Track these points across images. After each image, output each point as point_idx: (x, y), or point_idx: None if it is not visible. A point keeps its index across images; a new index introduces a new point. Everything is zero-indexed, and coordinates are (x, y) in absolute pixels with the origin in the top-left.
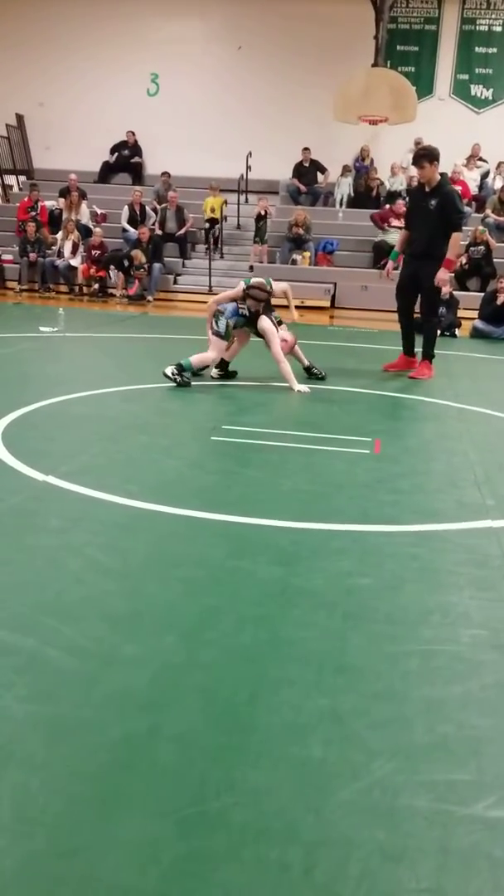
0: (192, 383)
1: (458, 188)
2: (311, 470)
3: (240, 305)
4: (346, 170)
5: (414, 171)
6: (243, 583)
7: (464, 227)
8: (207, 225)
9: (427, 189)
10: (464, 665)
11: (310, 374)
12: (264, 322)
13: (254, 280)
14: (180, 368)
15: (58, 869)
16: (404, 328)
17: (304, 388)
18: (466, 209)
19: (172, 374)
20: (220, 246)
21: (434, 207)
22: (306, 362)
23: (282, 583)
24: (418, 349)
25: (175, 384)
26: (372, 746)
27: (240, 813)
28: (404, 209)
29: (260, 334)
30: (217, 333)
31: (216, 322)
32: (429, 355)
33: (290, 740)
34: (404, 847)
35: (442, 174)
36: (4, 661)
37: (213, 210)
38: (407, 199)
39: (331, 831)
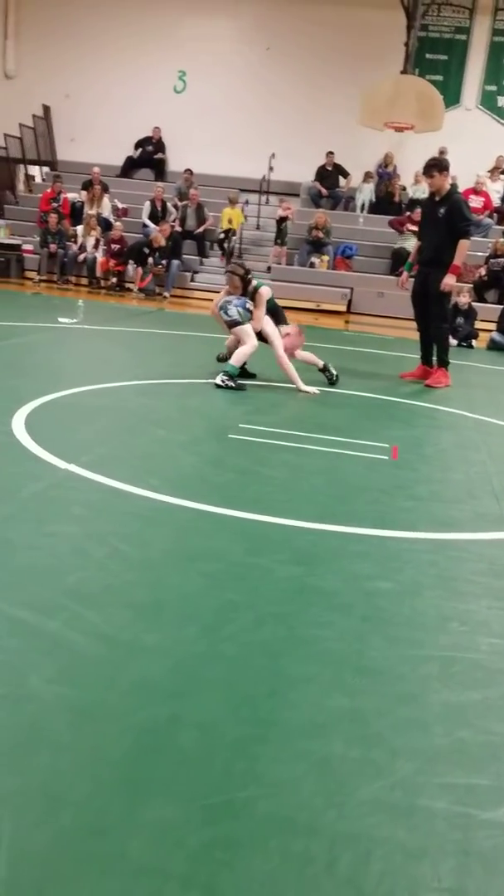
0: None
1: (482, 199)
2: (329, 473)
3: (246, 299)
4: (368, 176)
5: None
6: (262, 580)
7: (485, 239)
8: (222, 235)
9: (437, 198)
10: (483, 673)
11: (323, 373)
12: (267, 326)
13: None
14: (230, 376)
15: (86, 847)
16: (422, 337)
17: (312, 389)
18: (488, 220)
19: (224, 382)
20: (230, 257)
21: (443, 215)
22: (321, 364)
23: (300, 582)
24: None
25: (231, 389)
26: (392, 747)
27: (264, 804)
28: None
29: (264, 339)
30: (235, 322)
31: (226, 313)
32: (443, 362)
33: (311, 736)
34: (425, 847)
35: (452, 184)
36: (31, 643)
37: (230, 221)
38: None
39: (353, 827)
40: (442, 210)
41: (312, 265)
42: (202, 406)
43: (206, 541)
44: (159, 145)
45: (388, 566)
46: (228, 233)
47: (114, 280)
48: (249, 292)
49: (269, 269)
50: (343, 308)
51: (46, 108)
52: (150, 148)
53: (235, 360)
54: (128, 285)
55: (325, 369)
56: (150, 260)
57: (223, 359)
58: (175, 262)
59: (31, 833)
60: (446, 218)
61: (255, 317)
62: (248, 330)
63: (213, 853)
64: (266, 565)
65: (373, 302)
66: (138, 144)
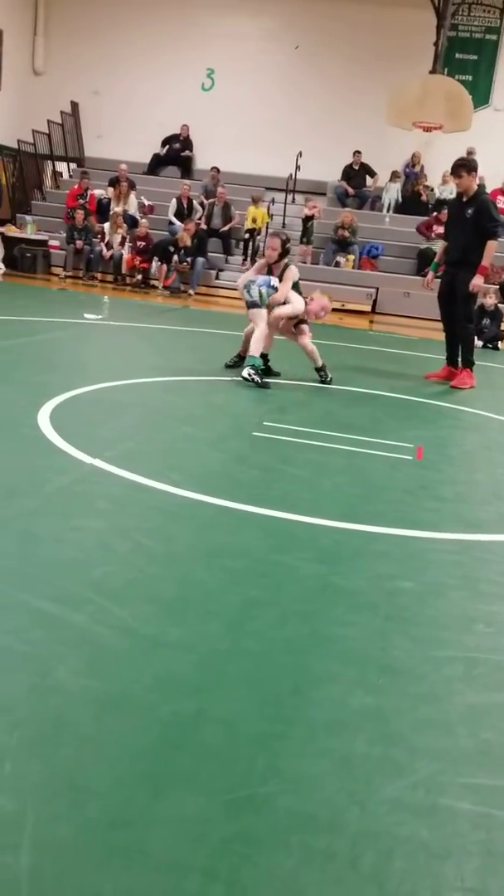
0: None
1: None
2: (353, 472)
3: (272, 277)
4: (395, 175)
5: None
6: (286, 577)
7: None
8: (247, 235)
9: (464, 199)
10: None
11: (318, 372)
12: (292, 295)
13: None
14: (255, 368)
15: (110, 839)
16: (448, 337)
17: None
18: None
19: (250, 375)
20: (255, 256)
21: (470, 216)
22: (319, 363)
23: (323, 580)
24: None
25: (255, 385)
26: (415, 746)
27: (286, 800)
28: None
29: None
30: (253, 304)
31: (248, 292)
32: (468, 362)
33: (333, 734)
34: (448, 846)
35: (480, 185)
36: (57, 635)
37: (254, 220)
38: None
39: (375, 825)
40: (469, 210)
41: (338, 264)
42: (227, 403)
43: (231, 537)
44: (186, 143)
45: (412, 566)
46: (253, 232)
47: (139, 277)
48: (279, 270)
49: None
50: (368, 308)
51: (74, 105)
52: (177, 145)
53: (253, 349)
54: (152, 283)
55: (321, 369)
56: (175, 258)
57: (232, 365)
58: (200, 260)
59: (54, 824)
60: (474, 218)
61: (280, 290)
62: (262, 314)
63: (235, 848)
64: (290, 563)
65: (398, 302)
66: (165, 142)
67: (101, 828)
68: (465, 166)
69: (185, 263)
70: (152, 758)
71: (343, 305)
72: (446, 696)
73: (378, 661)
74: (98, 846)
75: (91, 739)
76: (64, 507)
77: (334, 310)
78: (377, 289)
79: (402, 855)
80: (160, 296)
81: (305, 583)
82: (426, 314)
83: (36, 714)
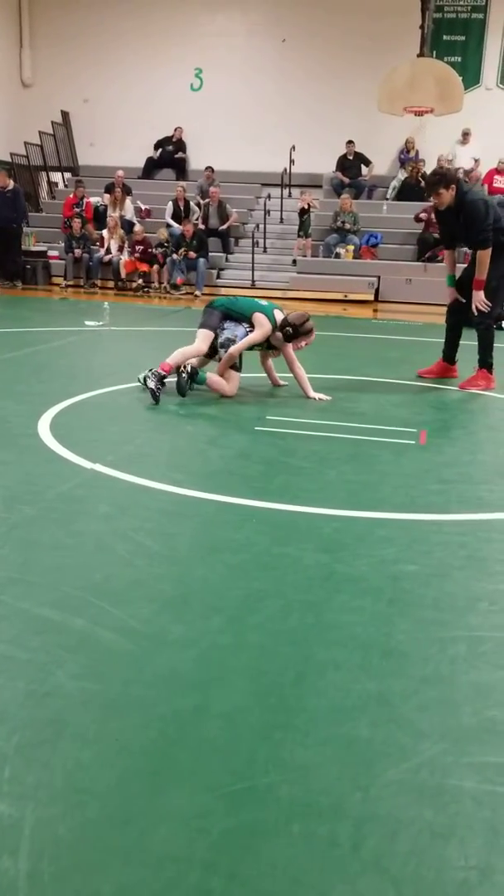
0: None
1: None
2: (357, 460)
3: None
4: (403, 163)
5: (462, 161)
6: (289, 568)
7: None
8: None
9: (453, 209)
10: None
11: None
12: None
13: (292, 316)
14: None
15: (110, 838)
16: (450, 335)
17: (322, 396)
18: None
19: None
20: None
21: (462, 224)
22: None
23: (327, 569)
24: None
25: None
26: (419, 728)
27: (287, 789)
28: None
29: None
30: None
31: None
32: (486, 363)
33: (337, 721)
34: (452, 826)
35: (460, 184)
36: (57, 640)
37: None
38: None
39: (379, 809)
40: (461, 219)
41: (338, 256)
42: (230, 401)
43: (233, 532)
44: (179, 144)
45: (416, 549)
46: None
47: (140, 281)
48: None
49: (294, 262)
50: (371, 297)
51: (65, 114)
52: (170, 148)
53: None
54: (151, 287)
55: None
56: (175, 255)
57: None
58: (202, 261)
59: (53, 825)
60: (464, 225)
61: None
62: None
63: (237, 840)
64: (293, 554)
65: (400, 289)
66: (158, 145)
67: (99, 827)
68: (440, 182)
69: (188, 251)
70: (152, 755)
71: (346, 296)
72: (451, 677)
73: (382, 645)
74: (98, 845)
75: (91, 741)
76: (64, 514)
77: (338, 301)
78: (378, 277)
79: (405, 837)
80: (165, 298)
81: (308, 572)
82: (429, 299)
83: (34, 719)
